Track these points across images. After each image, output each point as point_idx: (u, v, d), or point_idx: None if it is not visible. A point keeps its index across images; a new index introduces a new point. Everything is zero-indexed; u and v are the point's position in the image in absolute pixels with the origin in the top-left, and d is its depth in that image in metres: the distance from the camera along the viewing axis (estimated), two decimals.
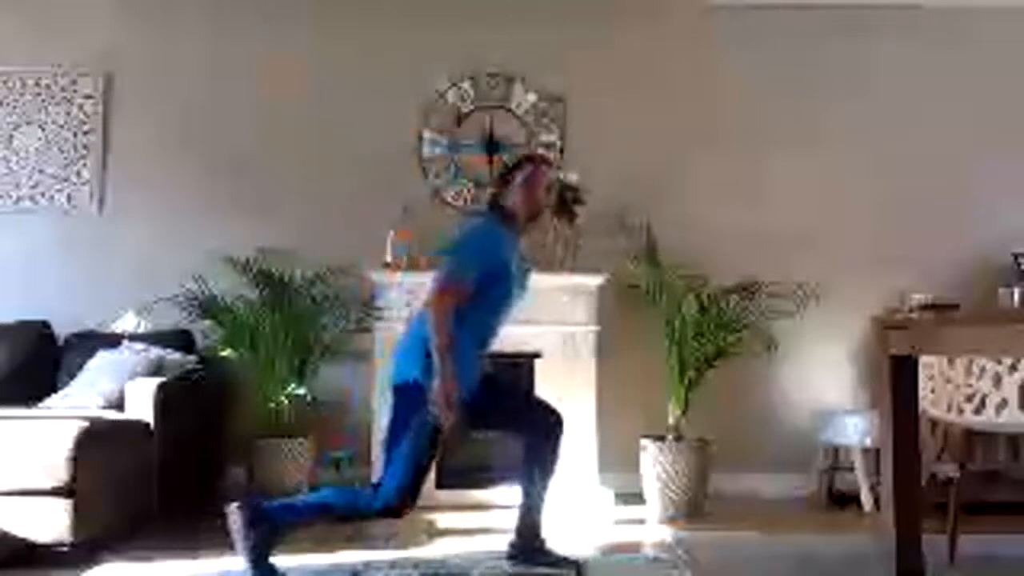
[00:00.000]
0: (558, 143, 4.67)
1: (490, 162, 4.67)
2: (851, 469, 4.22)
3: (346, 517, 2.72)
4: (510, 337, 4.04)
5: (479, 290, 2.74)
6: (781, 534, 3.65)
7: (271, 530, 2.69)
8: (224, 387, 4.29)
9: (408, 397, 2.68)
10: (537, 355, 4.17)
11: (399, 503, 2.62)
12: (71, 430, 3.05)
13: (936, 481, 3.72)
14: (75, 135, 4.66)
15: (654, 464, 4.00)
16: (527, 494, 2.90)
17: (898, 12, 4.70)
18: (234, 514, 2.68)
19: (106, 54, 4.69)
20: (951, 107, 4.67)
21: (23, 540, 2.98)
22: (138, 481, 3.44)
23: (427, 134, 4.67)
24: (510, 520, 2.96)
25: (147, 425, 3.57)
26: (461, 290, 2.70)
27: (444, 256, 2.80)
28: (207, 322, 4.17)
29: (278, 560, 2.76)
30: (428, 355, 2.65)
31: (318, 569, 2.91)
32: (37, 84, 4.68)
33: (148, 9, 4.72)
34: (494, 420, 3.03)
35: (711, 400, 4.14)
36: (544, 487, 2.89)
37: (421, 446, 2.65)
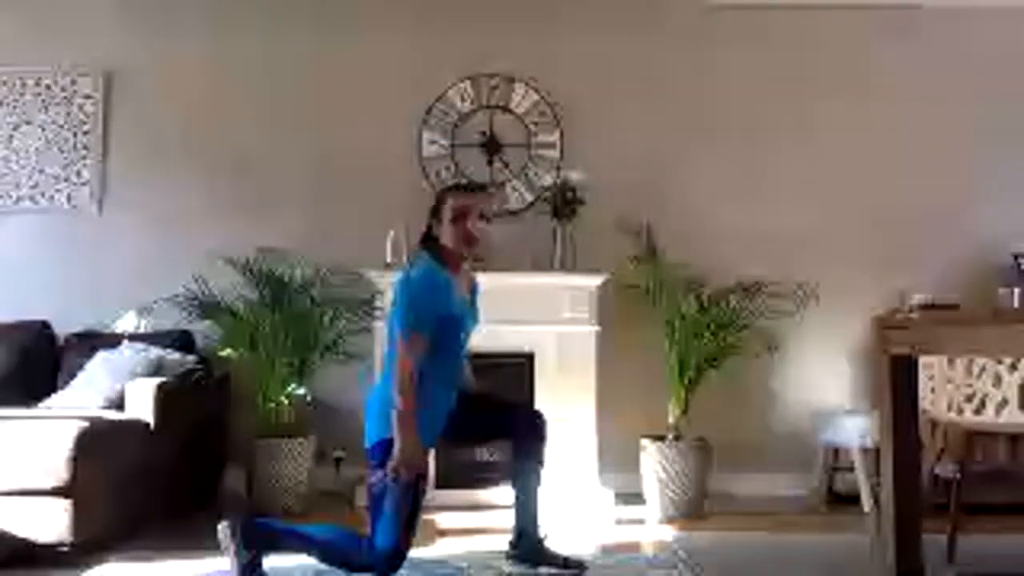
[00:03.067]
0: (558, 143, 4.67)
1: (490, 162, 4.67)
2: (851, 469, 4.21)
3: (341, 560, 2.71)
4: (509, 337, 4.11)
5: (437, 339, 2.73)
6: (781, 534, 3.65)
7: (267, 544, 2.69)
8: (224, 387, 4.30)
9: (385, 455, 2.66)
10: (524, 355, 4.19)
11: (391, 561, 2.62)
12: (71, 430, 3.05)
13: (936, 481, 3.72)
14: (75, 135, 4.66)
15: (654, 464, 4.00)
16: (520, 495, 2.90)
17: (898, 12, 4.69)
18: (226, 531, 2.65)
19: (106, 54, 4.69)
20: (951, 107, 4.66)
21: (23, 540, 2.98)
22: (138, 481, 3.44)
23: (427, 134, 4.67)
24: (510, 520, 2.96)
25: (147, 425, 3.57)
26: (420, 349, 2.68)
27: (396, 321, 2.73)
28: (207, 322, 4.17)
29: (278, 560, 2.77)
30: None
31: (318, 569, 2.91)
32: (37, 84, 4.68)
33: (148, 9, 4.72)
34: (476, 433, 3.05)
35: (711, 400, 4.14)
36: (536, 487, 2.89)
37: (405, 501, 2.63)
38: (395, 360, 2.69)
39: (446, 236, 2.83)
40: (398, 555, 2.62)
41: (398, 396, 2.62)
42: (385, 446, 2.66)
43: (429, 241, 2.88)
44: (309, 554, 2.75)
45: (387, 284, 4.14)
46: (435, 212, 2.88)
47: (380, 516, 2.64)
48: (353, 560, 2.67)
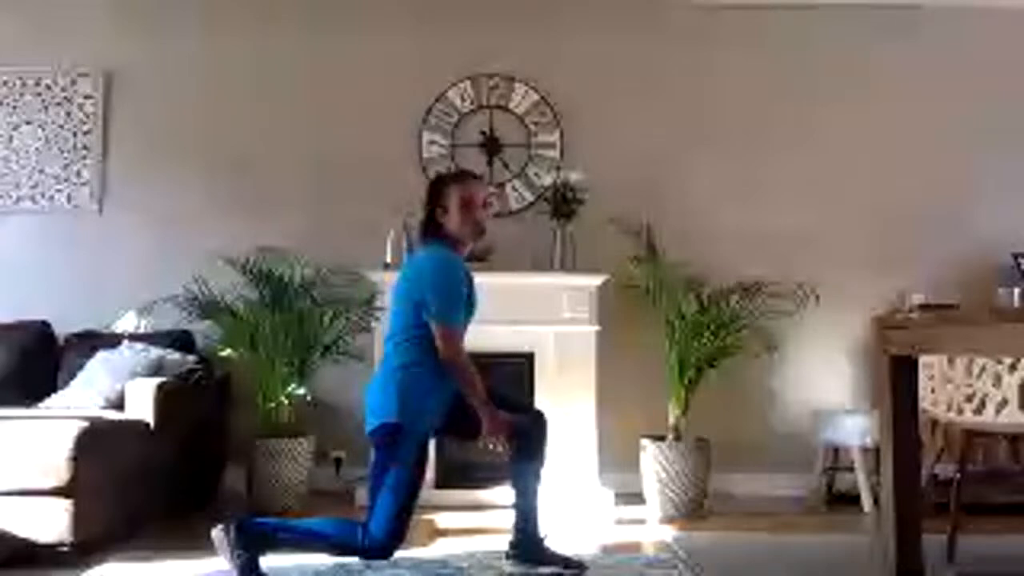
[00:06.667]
0: (558, 143, 4.67)
1: (490, 162, 4.67)
2: (851, 469, 4.22)
3: (337, 549, 2.72)
4: (509, 337, 4.12)
5: None
6: (781, 534, 3.65)
7: (263, 543, 2.68)
8: (224, 387, 4.30)
9: (385, 440, 2.67)
10: (524, 355, 4.20)
11: (387, 545, 2.63)
12: (71, 430, 3.05)
13: (936, 481, 3.72)
14: (75, 135, 4.66)
15: (654, 464, 4.00)
16: (520, 495, 2.90)
17: (898, 12, 4.69)
18: (221, 534, 2.63)
19: (106, 54, 4.69)
20: (951, 107, 4.66)
21: (23, 540, 2.97)
22: (138, 481, 3.44)
23: (427, 134, 4.67)
24: (510, 520, 2.96)
25: (147, 425, 3.57)
26: (461, 339, 2.73)
27: (429, 303, 2.70)
28: (207, 322, 4.17)
29: (277, 560, 2.77)
30: (401, 392, 2.67)
31: (318, 570, 2.91)
32: (37, 84, 4.68)
33: (148, 9, 4.71)
34: (477, 429, 3.03)
35: (711, 400, 4.14)
36: (536, 486, 2.89)
37: (403, 489, 2.63)
38: (405, 338, 2.73)
39: (453, 224, 2.81)
40: (395, 540, 2.63)
41: (468, 388, 2.69)
42: (388, 430, 2.66)
43: (432, 227, 2.86)
44: (307, 549, 2.75)
45: (387, 284, 4.14)
46: (436, 200, 2.85)
47: (378, 501, 2.64)
48: (351, 547, 2.67)
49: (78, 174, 4.65)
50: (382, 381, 2.75)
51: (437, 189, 2.88)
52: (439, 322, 2.69)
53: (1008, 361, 4.09)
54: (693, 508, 3.98)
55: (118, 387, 3.72)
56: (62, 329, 4.31)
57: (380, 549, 2.63)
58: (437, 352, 2.72)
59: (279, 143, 4.63)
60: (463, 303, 2.75)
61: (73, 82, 4.68)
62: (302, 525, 2.78)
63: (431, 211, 2.86)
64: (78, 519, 3.00)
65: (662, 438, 4.06)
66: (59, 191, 4.64)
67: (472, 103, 4.70)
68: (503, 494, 3.76)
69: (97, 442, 3.13)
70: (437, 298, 2.70)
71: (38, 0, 4.71)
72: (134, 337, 4.18)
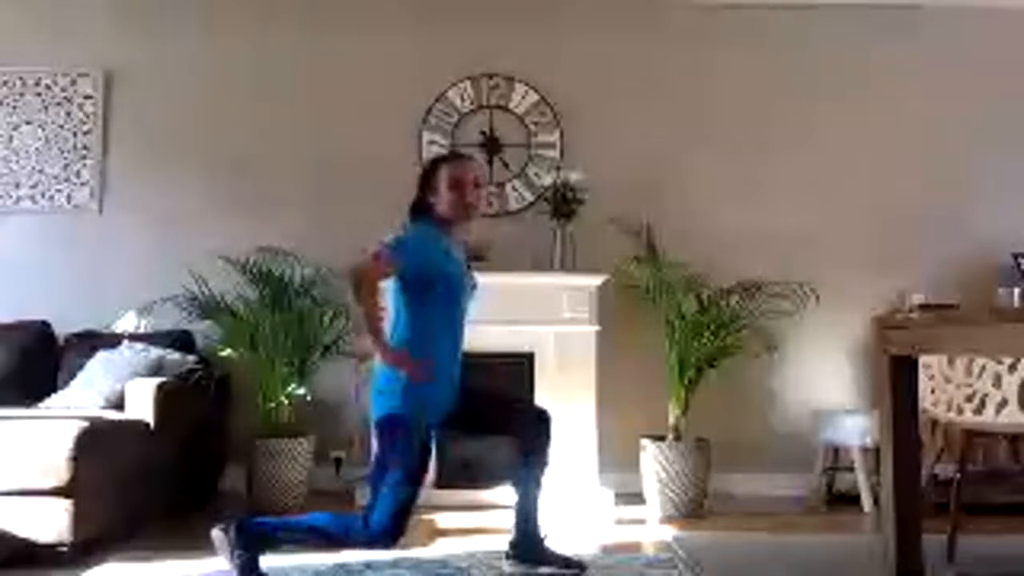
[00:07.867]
0: (558, 143, 4.67)
1: (490, 162, 4.67)
2: (851, 469, 4.22)
3: (337, 543, 2.72)
4: (509, 337, 4.12)
5: (439, 303, 2.75)
6: (781, 534, 3.65)
7: (262, 542, 2.67)
8: (224, 387, 4.29)
9: (388, 431, 2.67)
10: (524, 355, 4.20)
11: (387, 538, 2.63)
12: (71, 430, 3.05)
13: (936, 481, 3.72)
14: (75, 135, 4.66)
15: (654, 464, 4.00)
16: (521, 494, 2.89)
17: (898, 12, 4.69)
18: (220, 534, 2.64)
19: (106, 54, 4.69)
20: (951, 107, 4.66)
21: (23, 540, 2.97)
22: (138, 481, 3.44)
23: (427, 134, 4.67)
24: (510, 520, 2.96)
25: (147, 425, 3.57)
26: (388, 265, 2.78)
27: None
28: (207, 322, 4.17)
29: (280, 560, 2.76)
30: (404, 384, 2.66)
31: (319, 570, 2.91)
32: (37, 84, 4.68)
33: (148, 9, 4.72)
34: (481, 426, 3.03)
35: (711, 400, 4.14)
36: (537, 486, 2.88)
37: (403, 484, 2.63)
38: (402, 322, 2.74)
39: (443, 204, 2.84)
40: (394, 535, 2.62)
41: (357, 293, 2.70)
42: (392, 421, 2.66)
43: (423, 207, 2.89)
44: (308, 547, 2.74)
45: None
46: (427, 182, 2.89)
47: (379, 497, 2.64)
48: (353, 539, 2.67)
49: (78, 174, 4.65)
50: (387, 371, 2.74)
51: (428, 169, 2.92)
52: (383, 244, 2.73)
53: (1008, 361, 4.09)
54: (693, 508, 3.98)
55: (118, 387, 3.72)
56: (62, 329, 4.31)
57: (380, 543, 2.63)
58: (440, 347, 2.73)
59: (279, 143, 4.64)
60: (412, 258, 2.78)
61: (73, 82, 4.68)
62: (302, 523, 2.77)
63: (422, 193, 2.90)
64: (78, 519, 3.00)
65: (662, 438, 4.06)
66: (59, 191, 4.64)
67: (472, 103, 4.70)
68: (503, 494, 3.76)
69: (97, 442, 3.13)
70: (395, 239, 2.79)
71: (39, 0, 4.71)
72: (134, 337, 4.18)
